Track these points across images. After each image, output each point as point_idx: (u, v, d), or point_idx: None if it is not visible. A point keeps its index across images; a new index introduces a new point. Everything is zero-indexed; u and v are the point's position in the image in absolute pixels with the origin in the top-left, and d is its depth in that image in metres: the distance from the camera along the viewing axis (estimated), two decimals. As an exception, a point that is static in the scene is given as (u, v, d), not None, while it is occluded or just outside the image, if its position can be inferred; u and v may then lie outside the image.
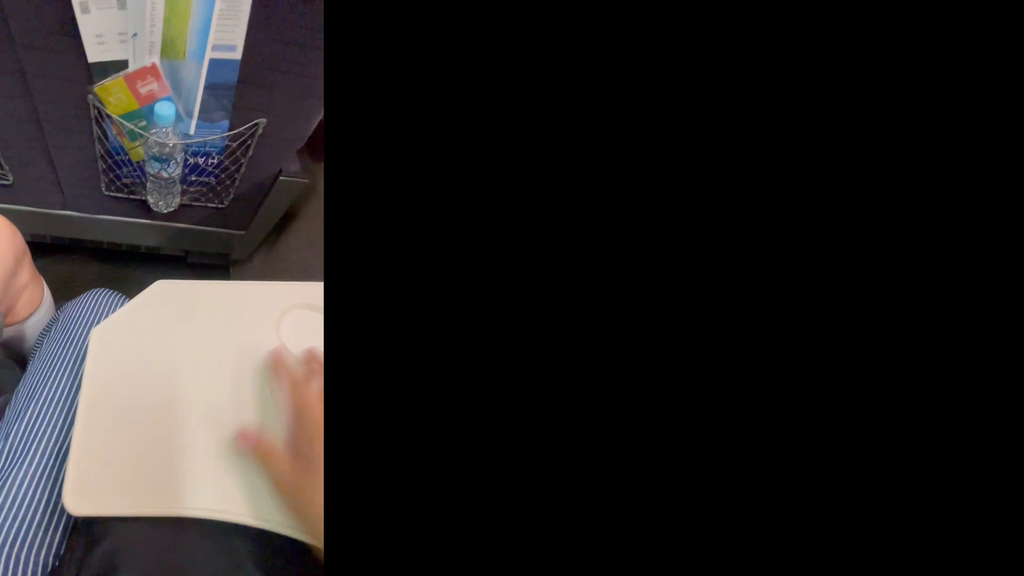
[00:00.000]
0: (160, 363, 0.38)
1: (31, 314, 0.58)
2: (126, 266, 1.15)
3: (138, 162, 0.69)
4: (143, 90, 0.59)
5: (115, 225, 0.87)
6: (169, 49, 0.55)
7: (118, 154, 0.70)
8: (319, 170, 0.88)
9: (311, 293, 0.47)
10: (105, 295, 0.53)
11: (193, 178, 0.74)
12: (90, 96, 0.62)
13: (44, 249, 1.16)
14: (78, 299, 0.53)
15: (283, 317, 0.45)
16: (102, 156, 0.71)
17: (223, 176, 0.76)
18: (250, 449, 0.35)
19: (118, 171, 0.73)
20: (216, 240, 0.97)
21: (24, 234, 0.55)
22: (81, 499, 0.32)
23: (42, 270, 0.67)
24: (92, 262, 1.18)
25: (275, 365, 0.40)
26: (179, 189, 0.74)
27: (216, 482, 0.34)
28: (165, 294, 0.44)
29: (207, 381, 0.38)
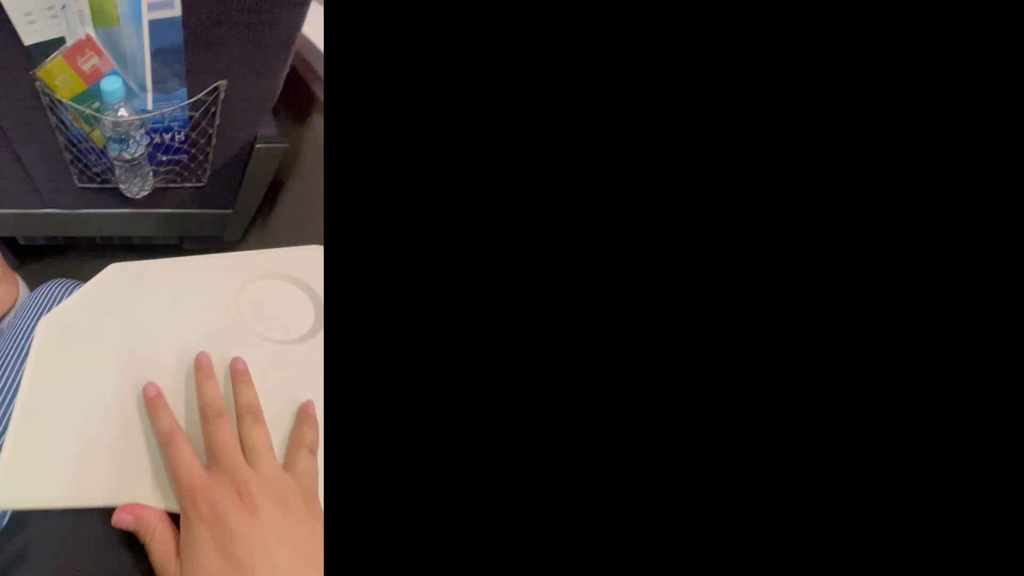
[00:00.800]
0: (110, 350, 0.36)
1: (4, 315, 0.57)
2: (121, 260, 1.13)
3: (102, 148, 0.65)
4: (85, 67, 0.54)
5: (97, 218, 0.84)
6: (100, 16, 0.50)
7: (81, 142, 0.66)
8: (299, 131, 0.83)
9: (270, 261, 0.44)
10: (61, 285, 0.52)
11: (162, 157, 0.70)
12: (38, 83, 0.58)
13: (40, 250, 1.15)
14: (35, 291, 0.52)
15: (241, 291, 0.42)
16: (66, 146, 0.68)
17: (194, 151, 0.72)
18: (132, 529, 0.30)
19: (85, 160, 0.69)
20: (205, 222, 0.94)
21: (18, 236, 0.53)
22: (10, 491, 0.30)
23: (39, 271, 0.66)
24: (88, 259, 1.17)
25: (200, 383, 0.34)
26: (148, 171, 0.70)
27: (155, 475, 0.31)
28: (118, 278, 0.41)
29: (159, 367, 0.36)
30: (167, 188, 0.79)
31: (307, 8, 0.54)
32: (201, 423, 0.31)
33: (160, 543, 0.28)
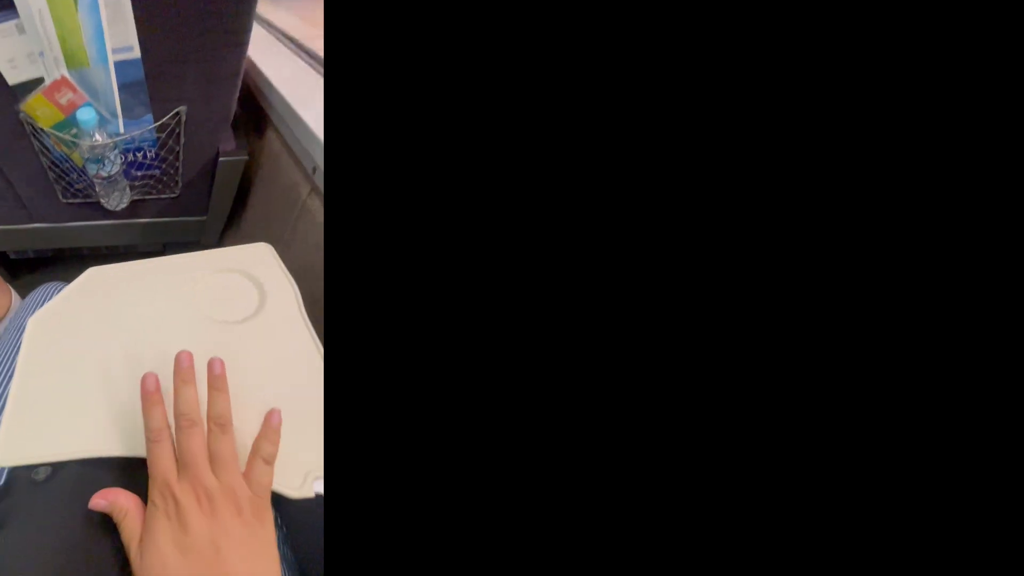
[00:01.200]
0: (94, 344, 0.43)
1: (-1, 321, 0.64)
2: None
3: (82, 167, 0.74)
4: (62, 101, 0.63)
5: (82, 230, 0.93)
6: (73, 60, 0.59)
7: (63, 163, 0.75)
8: (258, 143, 0.92)
9: (222, 258, 0.52)
10: (50, 287, 0.59)
11: (137, 173, 0.79)
12: (22, 115, 0.67)
13: (31, 264, 1.24)
14: (28, 295, 0.59)
15: (200, 283, 0.50)
16: (49, 167, 0.76)
17: (165, 166, 0.81)
18: (108, 510, 0.32)
19: (68, 178, 0.78)
20: (184, 228, 1.03)
21: (8, 251, 0.61)
22: (9, 450, 0.35)
23: (30, 283, 0.74)
24: (78, 268, 1.25)
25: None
26: (125, 185, 0.79)
27: (133, 430, 0.36)
28: (98, 280, 0.49)
29: (136, 349, 0.42)
30: (144, 199, 0.89)
31: (247, 45, 0.63)
32: (175, 431, 0.34)
33: (130, 523, 0.31)
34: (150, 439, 0.33)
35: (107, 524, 0.33)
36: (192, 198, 0.93)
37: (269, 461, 0.34)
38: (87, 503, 0.33)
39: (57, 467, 0.37)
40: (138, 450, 0.35)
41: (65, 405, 0.38)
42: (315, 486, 0.36)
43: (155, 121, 0.71)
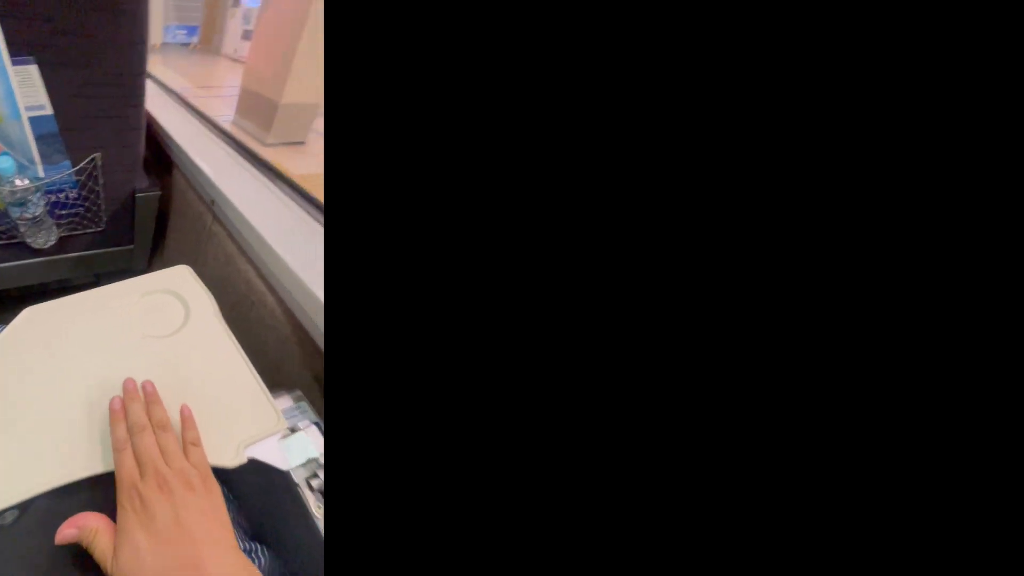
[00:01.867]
0: (42, 379, 0.46)
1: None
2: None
3: (4, 210, 0.84)
4: (-17, 153, 0.74)
5: (12, 270, 1.01)
6: (-10, 119, 0.69)
7: (-12, 208, 0.85)
8: (166, 181, 1.04)
9: (149, 282, 0.61)
10: None
11: (62, 212, 0.89)
12: (-54, 166, 0.77)
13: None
14: None
15: (132, 306, 0.57)
16: (-25, 212, 0.86)
17: (88, 204, 0.91)
18: (76, 539, 0.34)
19: (-6, 221, 0.88)
20: (114, 258, 1.12)
21: None
22: None
23: None
24: (11, 309, 1.31)
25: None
26: (51, 224, 0.89)
27: (88, 449, 0.40)
28: (35, 318, 0.52)
29: (82, 377, 0.46)
30: (71, 235, 0.98)
31: (144, 104, 0.75)
32: (131, 437, 0.39)
33: (102, 540, 0.34)
34: (116, 449, 0.38)
35: (81, 556, 0.34)
36: (117, 230, 1.03)
37: (196, 443, 0.41)
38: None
39: (24, 507, 0.38)
40: (100, 467, 0.39)
41: (23, 444, 0.40)
42: (246, 453, 0.43)
43: (73, 166, 0.82)
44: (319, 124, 3.50)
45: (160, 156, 1.00)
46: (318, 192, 0.79)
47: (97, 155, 0.81)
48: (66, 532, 0.34)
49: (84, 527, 0.34)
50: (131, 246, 1.10)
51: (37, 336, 0.50)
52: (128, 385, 0.44)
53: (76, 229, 0.96)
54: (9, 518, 0.37)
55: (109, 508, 0.36)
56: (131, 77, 0.70)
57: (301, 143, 3.53)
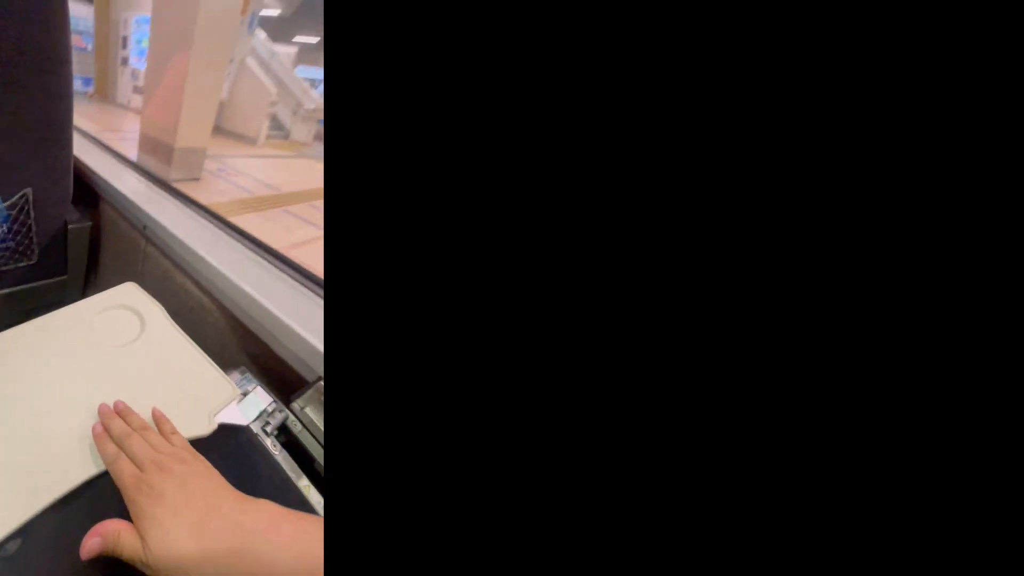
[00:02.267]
0: (13, 405, 0.48)
1: None
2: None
3: (-60, 249, 0.90)
4: (-80, 198, 0.80)
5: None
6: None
7: (-78, 248, 0.90)
8: (95, 214, 1.12)
9: (103, 299, 0.67)
10: None
11: (-6, 248, 0.96)
12: None
13: None
14: None
15: (91, 323, 0.61)
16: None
17: (20, 238, 0.97)
18: (101, 546, 0.35)
19: (-72, 261, 0.93)
20: (48, 291, 1.16)
21: None
22: None
23: None
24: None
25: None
26: (-16, 259, 0.95)
27: (79, 459, 0.43)
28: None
29: (58, 400, 0.49)
30: (4, 271, 1.03)
31: (71, 147, 0.84)
32: (121, 445, 0.42)
33: (128, 537, 0.35)
34: (110, 463, 0.41)
35: (100, 568, 0.35)
36: (50, 262, 1.08)
37: (174, 431, 0.47)
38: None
39: (25, 535, 0.38)
40: (94, 469, 0.43)
41: (13, 465, 0.42)
42: (216, 420, 0.51)
43: (4, 201, 0.89)
44: (209, 164, 4.49)
45: (85, 191, 1.08)
46: (225, 214, 0.98)
47: (28, 190, 0.89)
48: (90, 543, 0.35)
49: (105, 532, 0.35)
50: (64, 276, 1.16)
51: (5, 361, 0.53)
52: (102, 408, 0.48)
53: (7, 264, 1.02)
54: (12, 548, 0.37)
55: (114, 517, 0.37)
56: (59, 125, 0.79)
57: (197, 179, 4.22)
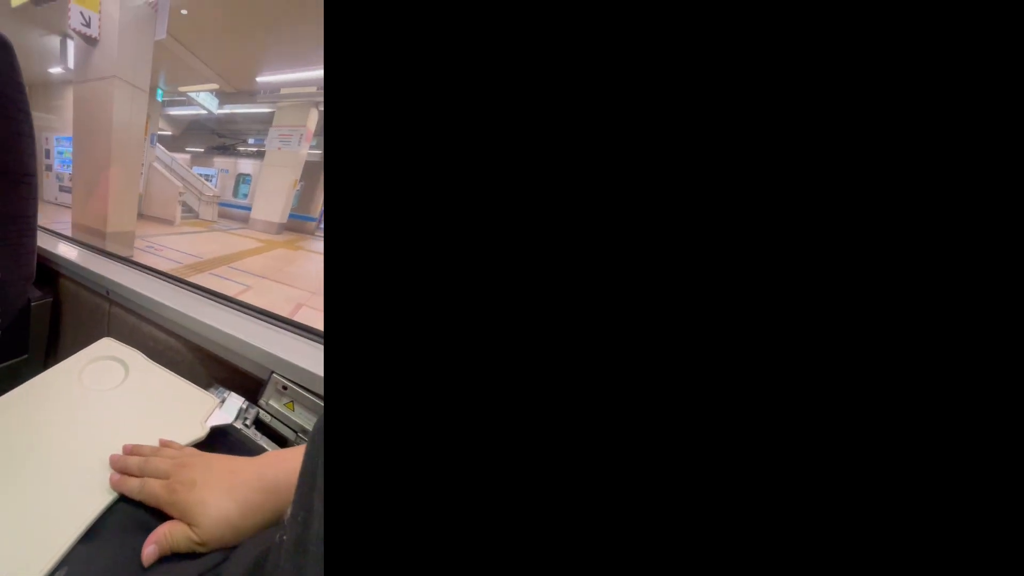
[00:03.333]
0: (32, 450, 0.52)
1: None
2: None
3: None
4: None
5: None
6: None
7: None
8: (55, 289, 1.24)
9: (88, 354, 0.75)
10: None
11: (-37, 333, 1.12)
12: None
13: None
14: None
15: (80, 375, 0.67)
16: None
17: (-14, 323, 1.09)
18: (159, 550, 0.39)
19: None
20: (8, 372, 1.26)
21: None
22: (26, 571, 0.38)
23: None
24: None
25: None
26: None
27: (98, 488, 0.47)
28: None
29: (75, 444, 0.54)
30: (-32, 356, 1.14)
31: (36, 235, 0.99)
32: (144, 472, 0.47)
33: (177, 529, 0.40)
34: (137, 494, 0.45)
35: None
36: (14, 340, 1.18)
37: (177, 447, 0.53)
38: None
39: (70, 565, 0.40)
40: (109, 497, 0.47)
41: (40, 501, 0.45)
42: (207, 424, 0.60)
43: (-27, 291, 1.01)
44: (138, 243, 5.75)
45: (42, 271, 1.21)
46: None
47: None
48: (148, 551, 0.39)
49: (158, 537, 0.40)
50: (25, 355, 1.25)
51: (10, 419, 0.57)
52: (113, 458, 0.51)
53: (-27, 348, 1.13)
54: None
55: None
56: (25, 218, 0.95)
57: (130, 256, 4.86)
